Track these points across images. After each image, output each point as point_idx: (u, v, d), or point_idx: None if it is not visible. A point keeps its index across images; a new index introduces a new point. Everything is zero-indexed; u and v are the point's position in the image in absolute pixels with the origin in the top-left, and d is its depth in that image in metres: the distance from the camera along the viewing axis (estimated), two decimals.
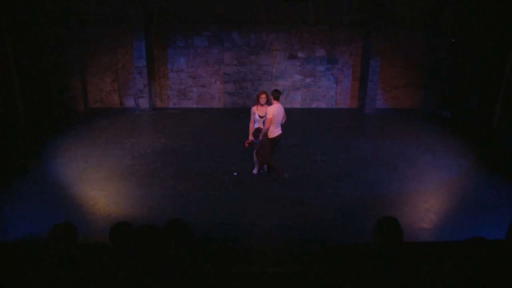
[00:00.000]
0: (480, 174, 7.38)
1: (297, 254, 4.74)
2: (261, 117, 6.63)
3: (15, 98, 8.82)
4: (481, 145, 8.77)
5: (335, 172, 7.31)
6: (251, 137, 6.80)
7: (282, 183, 6.71)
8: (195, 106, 11.97)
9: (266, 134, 6.51)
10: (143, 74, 11.00)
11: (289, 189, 6.60)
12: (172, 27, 11.27)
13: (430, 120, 10.87)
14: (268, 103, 6.72)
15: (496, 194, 6.50)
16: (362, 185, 6.81)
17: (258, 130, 6.52)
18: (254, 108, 6.68)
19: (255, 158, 7.08)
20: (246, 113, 7.67)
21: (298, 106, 11.82)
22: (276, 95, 6.51)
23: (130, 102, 11.84)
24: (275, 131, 6.60)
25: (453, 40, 11.00)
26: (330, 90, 12.00)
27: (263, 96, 6.55)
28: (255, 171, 7.16)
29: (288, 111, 7.30)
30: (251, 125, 6.77)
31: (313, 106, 12.08)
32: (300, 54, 11.63)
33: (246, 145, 6.85)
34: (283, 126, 6.84)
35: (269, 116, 6.36)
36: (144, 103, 11.30)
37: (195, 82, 11.79)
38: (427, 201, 6.29)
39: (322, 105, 12.08)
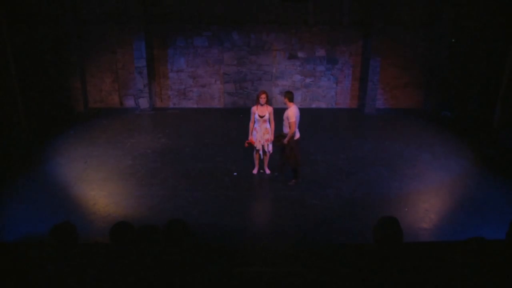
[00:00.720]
0: (480, 174, 7.38)
1: (298, 254, 4.74)
2: (261, 117, 6.63)
3: (15, 98, 8.82)
4: (481, 145, 8.77)
5: (335, 172, 7.31)
6: (250, 137, 6.81)
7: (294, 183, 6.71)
8: (195, 106, 11.97)
9: (292, 137, 6.41)
10: (143, 74, 11.00)
11: (289, 189, 6.60)
12: (172, 27, 11.27)
13: (430, 120, 10.86)
14: (268, 103, 6.73)
15: (496, 194, 6.51)
16: (362, 185, 6.81)
17: (281, 136, 6.44)
18: (254, 108, 6.68)
19: (254, 158, 7.09)
20: (246, 113, 7.67)
21: (298, 106, 11.80)
22: (291, 96, 6.42)
23: (130, 102, 11.84)
24: (297, 132, 6.51)
25: (453, 40, 11.00)
26: (330, 90, 12.00)
27: (263, 96, 6.55)
28: (255, 171, 7.16)
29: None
30: (251, 125, 6.77)
31: (313, 106, 12.08)
32: (300, 54, 11.62)
33: (246, 145, 6.86)
34: None
35: (293, 120, 6.26)
36: (144, 103, 11.30)
37: (195, 82, 11.79)
38: (427, 201, 6.29)
39: (322, 105, 12.08)
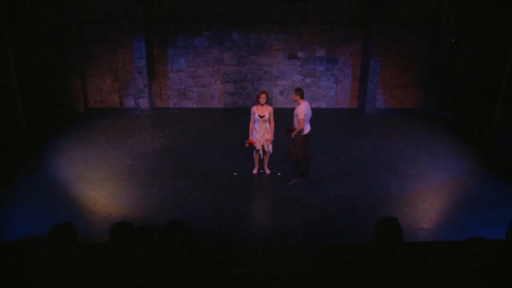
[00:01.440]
0: (480, 174, 7.38)
1: (297, 254, 4.74)
2: (261, 117, 6.63)
3: (15, 98, 8.82)
4: (481, 145, 8.77)
5: (335, 172, 7.31)
6: (251, 137, 6.81)
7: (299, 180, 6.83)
8: (195, 106, 11.97)
9: (299, 133, 6.53)
10: (143, 74, 11.00)
11: (289, 189, 6.60)
12: (172, 27, 11.27)
13: (430, 120, 10.87)
14: (268, 103, 6.73)
15: (496, 194, 6.51)
16: (362, 185, 6.81)
17: (290, 130, 6.59)
18: (254, 108, 6.68)
19: (254, 158, 7.09)
20: (246, 113, 7.67)
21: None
22: (302, 93, 6.53)
23: (130, 102, 11.84)
24: (306, 128, 6.64)
25: (453, 40, 10.99)
26: (330, 90, 11.99)
27: (263, 96, 6.55)
28: (255, 171, 7.16)
29: (288, 111, 7.31)
30: (251, 125, 6.78)
31: (313, 106, 11.99)
32: (300, 54, 11.62)
33: (246, 145, 6.86)
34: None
35: (301, 117, 6.37)
36: (144, 103, 11.30)
37: (195, 82, 11.79)
38: (427, 201, 6.29)
39: (322, 105, 12.08)
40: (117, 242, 2.90)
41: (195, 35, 11.35)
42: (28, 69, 9.64)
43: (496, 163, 7.76)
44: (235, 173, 7.16)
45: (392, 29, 11.24)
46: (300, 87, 6.98)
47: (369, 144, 8.80)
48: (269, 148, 6.89)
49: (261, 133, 6.72)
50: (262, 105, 6.61)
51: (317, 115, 11.27)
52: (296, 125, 6.51)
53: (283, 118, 7.15)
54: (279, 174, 7.13)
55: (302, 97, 6.53)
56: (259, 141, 6.76)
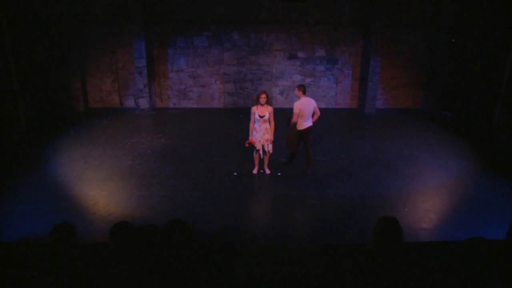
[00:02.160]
0: (480, 174, 7.39)
1: (297, 254, 4.74)
2: (261, 117, 6.64)
3: (15, 98, 8.82)
4: (481, 145, 8.77)
5: (335, 172, 7.31)
6: (251, 137, 6.81)
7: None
8: (195, 106, 11.97)
9: (294, 126, 6.82)
10: (143, 74, 11.00)
11: (289, 189, 6.60)
12: (172, 27, 11.27)
13: (430, 120, 10.87)
14: (268, 103, 6.74)
15: (496, 194, 6.51)
16: (362, 185, 6.81)
17: (289, 119, 6.91)
18: (254, 108, 6.68)
19: (254, 158, 7.09)
20: (246, 113, 7.67)
21: None
22: (303, 89, 6.87)
23: (130, 102, 11.84)
24: (303, 124, 6.86)
25: (453, 40, 10.99)
26: (330, 90, 12.00)
27: (263, 96, 6.55)
28: (254, 171, 7.16)
29: (288, 111, 7.31)
30: (251, 125, 6.78)
31: None
32: (300, 54, 11.62)
33: (246, 145, 6.86)
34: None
35: (296, 111, 6.70)
36: (144, 103, 11.30)
37: (195, 82, 11.79)
38: (427, 201, 6.29)
39: (322, 105, 12.07)
40: (117, 242, 2.90)
41: (195, 35, 11.35)
42: (28, 69, 9.64)
43: (496, 163, 7.75)
44: (235, 173, 7.16)
45: (392, 29, 11.24)
46: (303, 84, 7.34)
47: (369, 144, 8.80)
48: (269, 148, 6.89)
49: (261, 133, 6.72)
50: (262, 105, 6.61)
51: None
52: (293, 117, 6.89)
53: (283, 118, 7.15)
54: (279, 174, 7.13)
55: (304, 93, 6.84)
56: (259, 141, 6.76)
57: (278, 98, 11.83)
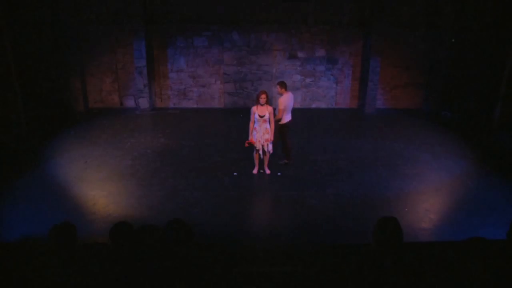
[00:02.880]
0: (480, 174, 7.38)
1: (297, 254, 4.74)
2: (261, 116, 6.64)
3: (15, 98, 8.82)
4: (481, 145, 8.77)
5: (335, 172, 7.31)
6: (251, 137, 6.81)
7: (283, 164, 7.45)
8: (195, 106, 11.97)
9: (278, 121, 7.00)
10: (143, 74, 11.00)
11: (289, 189, 6.60)
12: (172, 27, 11.27)
13: (430, 120, 10.86)
14: (268, 103, 6.74)
15: (496, 194, 6.50)
16: (362, 185, 6.81)
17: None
18: (254, 108, 6.68)
19: (254, 158, 7.09)
20: (246, 113, 7.67)
21: (298, 106, 11.80)
22: (285, 86, 7.08)
23: (130, 102, 11.84)
24: (286, 118, 7.10)
25: (453, 40, 10.99)
26: (330, 90, 12.00)
27: (263, 96, 6.55)
28: (254, 171, 7.16)
29: None
30: (251, 125, 6.78)
31: (313, 106, 12.08)
32: (300, 54, 11.62)
33: (246, 145, 6.85)
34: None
35: (281, 107, 6.86)
36: (144, 103, 11.30)
37: (195, 82, 11.79)
38: (427, 201, 6.29)
39: (322, 105, 12.08)
40: (117, 242, 2.90)
41: (195, 35, 11.35)
42: (28, 69, 9.63)
43: (496, 163, 7.75)
44: (235, 173, 7.16)
45: (392, 29, 11.24)
46: (284, 80, 7.50)
47: (369, 144, 8.79)
48: (269, 148, 6.89)
49: (261, 133, 6.72)
50: (262, 105, 6.61)
51: (317, 115, 11.34)
52: (277, 113, 7.01)
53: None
54: (279, 174, 7.14)
55: (286, 89, 7.06)
56: (259, 141, 6.76)
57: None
